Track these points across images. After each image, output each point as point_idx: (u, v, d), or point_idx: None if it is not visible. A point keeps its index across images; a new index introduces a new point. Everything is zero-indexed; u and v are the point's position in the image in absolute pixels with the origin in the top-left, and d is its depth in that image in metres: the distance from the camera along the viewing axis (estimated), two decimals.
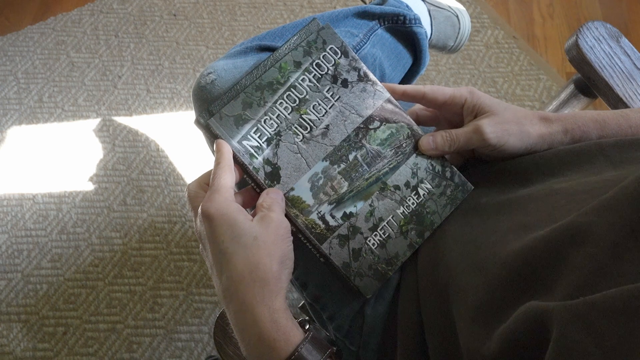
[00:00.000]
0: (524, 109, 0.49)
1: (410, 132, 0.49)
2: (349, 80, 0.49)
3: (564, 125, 0.47)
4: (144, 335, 1.09)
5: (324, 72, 0.48)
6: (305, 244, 0.47)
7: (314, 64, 0.48)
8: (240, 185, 0.49)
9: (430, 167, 0.49)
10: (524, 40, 1.47)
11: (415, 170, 0.49)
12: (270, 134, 0.46)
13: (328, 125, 0.48)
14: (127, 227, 1.20)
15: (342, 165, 0.47)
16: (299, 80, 0.47)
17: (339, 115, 0.48)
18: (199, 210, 0.42)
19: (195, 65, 1.42)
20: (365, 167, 0.48)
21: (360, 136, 0.48)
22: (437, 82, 1.40)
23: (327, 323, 0.54)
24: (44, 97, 1.37)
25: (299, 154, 0.47)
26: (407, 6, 0.71)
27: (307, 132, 0.47)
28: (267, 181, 0.46)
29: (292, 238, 0.43)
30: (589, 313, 0.27)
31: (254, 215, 0.43)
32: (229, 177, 0.43)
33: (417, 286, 0.47)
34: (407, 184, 0.49)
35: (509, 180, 0.48)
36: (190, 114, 1.36)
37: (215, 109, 0.46)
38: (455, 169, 0.50)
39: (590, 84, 0.68)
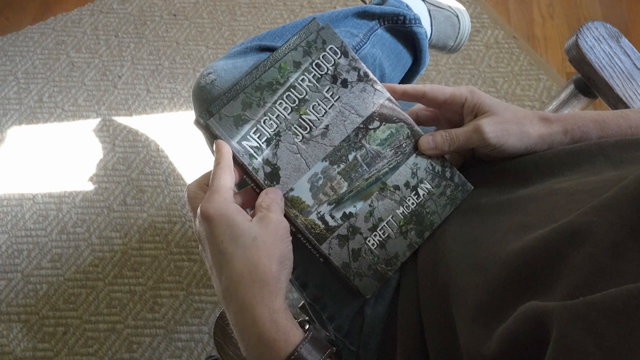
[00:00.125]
0: (524, 109, 0.49)
1: (410, 132, 0.49)
2: (349, 80, 0.49)
3: (563, 126, 0.47)
4: (144, 335, 1.09)
5: (323, 72, 0.48)
6: (305, 244, 0.47)
7: (314, 64, 0.48)
8: (240, 185, 0.49)
9: (430, 167, 0.49)
10: (524, 40, 1.47)
11: (415, 170, 0.49)
12: (269, 135, 0.46)
13: (328, 125, 0.48)
14: (127, 227, 1.20)
15: (342, 166, 0.47)
16: (299, 81, 0.47)
17: (339, 115, 0.48)
18: (198, 210, 0.42)
19: (195, 65, 1.42)
20: (365, 167, 0.48)
21: (360, 136, 0.48)
22: (437, 82, 1.40)
23: (327, 323, 0.54)
24: (44, 97, 1.37)
25: (298, 154, 0.47)
26: (407, 6, 0.71)
27: (306, 132, 0.47)
28: (266, 181, 0.46)
29: (291, 238, 0.43)
30: (589, 313, 0.27)
31: (253, 216, 0.43)
32: (228, 178, 0.43)
33: (417, 286, 0.47)
34: (406, 184, 0.49)
35: (508, 180, 0.48)
36: (190, 114, 1.36)
37: (215, 109, 0.46)
38: (455, 169, 0.50)
39: (590, 84, 0.68)
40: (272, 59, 0.47)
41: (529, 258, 0.35)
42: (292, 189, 0.46)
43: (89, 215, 1.22)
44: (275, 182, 0.46)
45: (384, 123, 0.49)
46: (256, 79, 0.47)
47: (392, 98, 0.49)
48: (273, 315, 0.39)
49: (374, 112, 0.49)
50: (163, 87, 1.39)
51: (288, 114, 0.47)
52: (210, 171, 0.44)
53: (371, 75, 0.49)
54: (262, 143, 0.46)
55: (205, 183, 0.45)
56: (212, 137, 0.46)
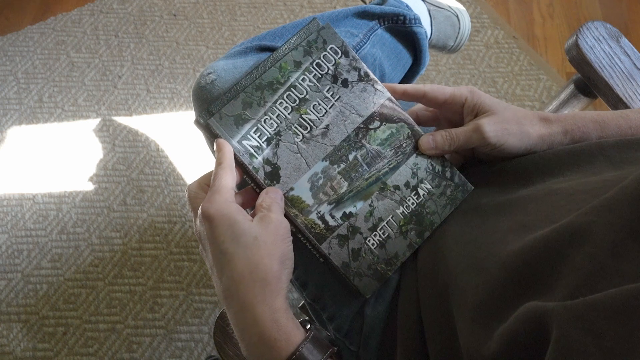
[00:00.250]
0: (523, 109, 0.49)
1: (410, 132, 0.49)
2: (349, 80, 0.49)
3: (563, 126, 0.47)
4: (144, 335, 1.09)
5: (324, 72, 0.48)
6: (305, 244, 0.47)
7: (314, 63, 0.48)
8: (240, 186, 0.49)
9: (430, 167, 0.49)
10: (524, 40, 1.47)
11: (415, 170, 0.49)
12: (270, 134, 0.46)
13: (328, 125, 0.48)
14: (127, 227, 1.20)
15: (342, 165, 0.47)
16: (299, 80, 0.47)
17: (339, 115, 0.48)
18: (199, 210, 0.42)
19: (195, 65, 1.42)
20: (365, 167, 0.48)
21: (360, 136, 0.48)
22: (437, 82, 1.40)
23: (327, 323, 0.54)
24: (44, 97, 1.37)
25: (298, 154, 0.47)
26: (407, 6, 0.71)
27: (307, 132, 0.47)
28: (266, 181, 0.46)
29: (291, 238, 0.43)
30: (589, 313, 0.27)
31: (253, 216, 0.43)
32: (229, 178, 0.43)
33: (417, 286, 0.47)
34: (407, 184, 0.49)
35: (508, 180, 0.48)
36: (190, 114, 1.36)
37: (215, 108, 0.46)
38: (455, 169, 0.50)
39: (590, 84, 0.68)
40: (272, 59, 0.47)
41: (529, 258, 0.35)
42: (292, 189, 0.46)
43: (89, 215, 1.22)
44: (275, 182, 0.46)
45: (384, 123, 0.49)
46: (256, 79, 0.47)
47: (392, 98, 0.49)
48: (274, 314, 0.39)
49: (375, 112, 0.49)
50: (163, 87, 1.39)
51: (288, 114, 0.47)
52: (211, 171, 0.44)
53: (372, 75, 0.49)
54: (263, 142, 0.46)
55: (206, 183, 0.45)
56: (212, 136, 0.46)
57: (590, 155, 0.45)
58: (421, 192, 0.49)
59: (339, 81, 0.48)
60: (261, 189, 0.46)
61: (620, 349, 0.25)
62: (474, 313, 0.37)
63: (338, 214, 0.47)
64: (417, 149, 0.49)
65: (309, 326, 0.41)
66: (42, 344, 1.08)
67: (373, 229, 0.48)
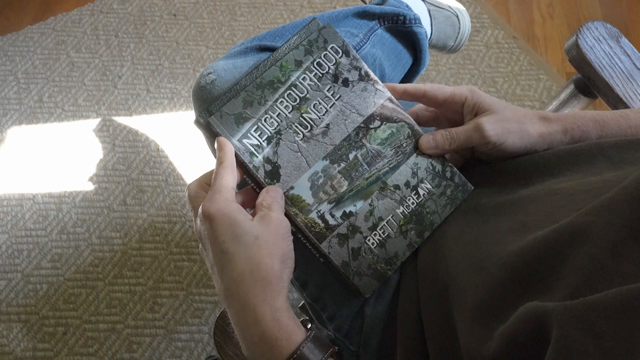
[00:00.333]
0: (523, 108, 0.49)
1: (410, 132, 0.49)
2: (350, 79, 0.49)
3: (563, 125, 0.47)
4: (144, 335, 1.09)
5: (325, 71, 0.48)
6: (305, 243, 0.47)
7: (315, 62, 0.48)
8: (240, 186, 0.49)
9: (431, 167, 0.49)
10: (524, 40, 1.47)
11: (415, 170, 0.49)
12: (270, 133, 0.46)
13: (328, 124, 0.48)
14: (127, 227, 1.20)
15: (342, 165, 0.47)
16: (300, 79, 0.47)
17: (340, 114, 0.48)
18: (200, 210, 0.42)
19: (195, 65, 1.42)
20: (366, 166, 0.48)
21: (360, 135, 0.48)
22: (437, 82, 1.39)
23: (327, 323, 0.54)
24: (44, 97, 1.37)
25: (299, 153, 0.47)
26: (407, 6, 0.71)
27: (307, 131, 0.47)
28: (267, 180, 0.46)
29: (292, 237, 0.43)
30: (589, 313, 0.27)
31: (253, 215, 0.43)
32: (230, 177, 0.43)
33: (417, 286, 0.47)
34: (407, 184, 0.49)
35: (509, 180, 0.48)
36: (190, 114, 1.36)
37: (215, 108, 0.46)
38: (456, 169, 0.50)
39: (590, 84, 0.68)
40: (273, 58, 0.47)
41: (529, 258, 0.35)
42: (292, 188, 0.46)
43: (89, 215, 1.22)
44: (275, 181, 0.46)
45: (384, 122, 0.49)
46: (257, 78, 0.47)
47: (392, 98, 0.49)
48: (275, 314, 0.39)
49: (375, 112, 0.49)
50: (163, 87, 1.39)
51: (289, 113, 0.47)
52: (211, 170, 0.44)
53: (372, 75, 0.49)
54: (263, 141, 0.46)
55: (206, 182, 0.45)
56: (212, 135, 0.46)
57: (590, 156, 0.45)
58: (421, 192, 0.49)
59: (340, 80, 0.48)
60: (261, 188, 0.46)
61: (621, 349, 0.25)
62: (474, 313, 0.37)
63: (338, 213, 0.47)
64: (417, 149, 0.49)
65: (309, 325, 0.41)
66: (42, 344, 1.08)
67: (373, 228, 0.48)
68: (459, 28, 0.86)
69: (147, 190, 1.25)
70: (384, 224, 0.48)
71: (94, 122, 1.34)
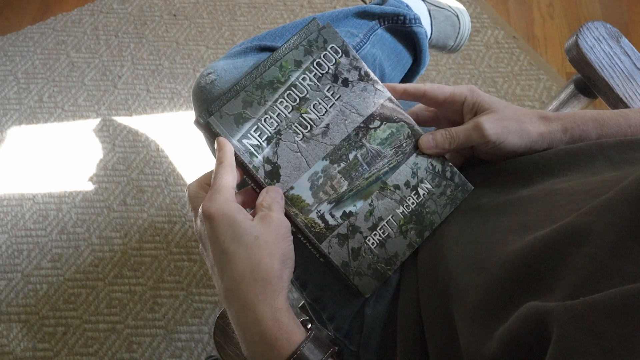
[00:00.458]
0: (523, 108, 0.49)
1: (410, 132, 0.49)
2: (350, 79, 0.49)
3: (563, 124, 0.47)
4: (144, 335, 1.09)
5: (324, 71, 0.48)
6: (305, 243, 0.47)
7: (315, 63, 0.48)
8: (240, 185, 0.49)
9: (431, 167, 0.49)
10: (524, 40, 1.47)
11: (415, 170, 0.49)
12: (270, 133, 0.46)
13: (328, 124, 0.48)
14: (127, 227, 1.20)
15: (342, 165, 0.47)
16: (300, 79, 0.47)
17: (340, 114, 0.48)
18: (200, 210, 0.42)
19: (195, 65, 1.42)
20: (365, 166, 0.48)
21: (360, 135, 0.48)
22: (437, 82, 1.39)
23: (327, 323, 0.54)
24: (44, 97, 1.37)
25: (299, 153, 0.47)
26: (407, 6, 0.71)
27: (307, 131, 0.47)
28: (266, 180, 0.46)
29: (292, 237, 0.43)
30: (589, 313, 0.27)
31: (253, 215, 0.43)
32: (230, 177, 0.43)
33: (417, 286, 0.47)
34: (407, 184, 0.49)
35: (509, 180, 0.48)
36: (190, 114, 1.36)
37: (215, 108, 0.46)
38: (456, 169, 0.50)
39: (590, 84, 0.68)
40: (272, 58, 0.47)
41: (529, 258, 0.35)
42: (292, 188, 0.46)
43: (89, 215, 1.22)
44: (275, 181, 0.46)
45: (384, 122, 0.49)
46: (257, 78, 0.47)
47: (392, 98, 0.49)
48: (275, 314, 0.39)
49: (375, 112, 0.49)
50: (163, 87, 1.39)
51: (289, 113, 0.47)
52: (211, 171, 0.44)
53: (372, 75, 0.49)
54: (263, 141, 0.46)
55: (206, 182, 0.45)
56: (212, 135, 0.46)
57: (590, 156, 0.45)
58: (421, 192, 0.49)
59: (340, 80, 0.48)
60: (261, 188, 0.46)
61: (621, 349, 0.25)
62: (474, 313, 0.37)
63: (338, 213, 0.47)
64: (417, 149, 0.49)
65: (309, 325, 0.41)
66: (42, 344, 1.08)
67: (373, 228, 0.48)
68: (459, 28, 0.86)
69: (147, 190, 1.25)
70: (384, 224, 0.48)
71: (94, 122, 1.34)
